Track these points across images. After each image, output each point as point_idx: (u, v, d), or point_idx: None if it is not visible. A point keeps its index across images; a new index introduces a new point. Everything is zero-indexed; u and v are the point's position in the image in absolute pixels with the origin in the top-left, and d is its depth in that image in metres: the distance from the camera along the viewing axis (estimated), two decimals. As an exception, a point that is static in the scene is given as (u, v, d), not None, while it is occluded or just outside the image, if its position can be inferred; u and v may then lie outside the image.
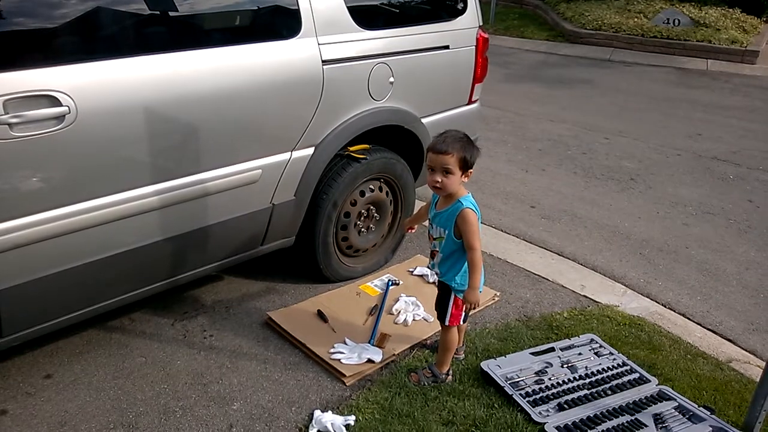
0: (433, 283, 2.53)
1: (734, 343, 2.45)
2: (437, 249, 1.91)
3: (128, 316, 2.32)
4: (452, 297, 1.90)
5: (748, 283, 2.90)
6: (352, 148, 2.39)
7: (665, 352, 2.26)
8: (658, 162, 4.47)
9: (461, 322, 1.98)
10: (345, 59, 2.21)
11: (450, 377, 2.03)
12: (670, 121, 5.49)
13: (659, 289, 2.81)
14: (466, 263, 1.84)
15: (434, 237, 1.91)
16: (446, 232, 1.85)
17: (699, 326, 2.54)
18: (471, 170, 1.80)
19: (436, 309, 2.00)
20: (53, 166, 1.61)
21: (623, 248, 3.18)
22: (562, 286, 2.72)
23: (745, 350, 2.40)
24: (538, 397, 1.94)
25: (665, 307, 2.66)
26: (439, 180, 1.77)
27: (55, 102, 1.55)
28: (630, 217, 3.56)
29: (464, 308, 1.88)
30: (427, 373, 2.02)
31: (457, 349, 2.10)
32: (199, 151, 1.90)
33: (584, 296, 2.65)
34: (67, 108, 1.57)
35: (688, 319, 2.59)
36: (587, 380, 2.03)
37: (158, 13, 1.82)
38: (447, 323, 1.94)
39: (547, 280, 2.77)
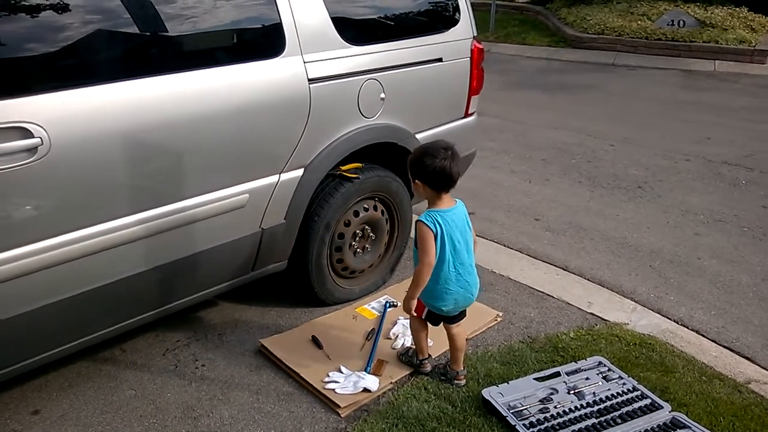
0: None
1: (752, 361, 2.32)
2: None
3: (119, 346, 2.26)
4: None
5: (765, 295, 2.77)
6: (343, 168, 2.32)
7: (678, 374, 2.14)
8: (666, 168, 4.35)
9: (423, 318, 2.02)
10: (332, 77, 2.15)
11: (429, 367, 2.11)
12: (678, 126, 5.37)
13: (671, 304, 2.69)
14: (433, 273, 1.86)
15: None
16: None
17: (714, 344, 2.41)
18: (417, 181, 1.85)
19: None
20: (26, 200, 1.54)
21: (632, 261, 3.06)
22: (568, 303, 2.62)
23: (765, 369, 2.27)
24: (542, 427, 1.83)
25: (677, 323, 2.54)
26: None
27: (26, 134, 1.49)
28: (638, 227, 3.44)
29: (424, 315, 1.99)
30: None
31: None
32: (182, 178, 1.84)
33: (591, 314, 2.54)
34: (39, 139, 1.51)
35: (702, 336, 2.47)
36: (595, 408, 1.92)
37: (137, 36, 1.76)
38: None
39: (552, 297, 2.66)
